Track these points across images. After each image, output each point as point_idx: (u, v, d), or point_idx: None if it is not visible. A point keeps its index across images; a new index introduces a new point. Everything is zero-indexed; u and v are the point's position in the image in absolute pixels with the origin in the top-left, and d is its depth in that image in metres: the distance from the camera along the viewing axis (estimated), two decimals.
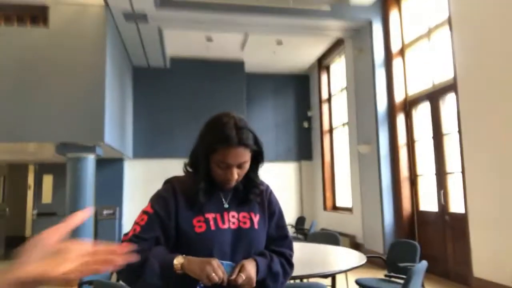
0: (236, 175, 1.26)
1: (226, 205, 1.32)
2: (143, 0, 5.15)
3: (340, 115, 7.70)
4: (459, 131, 4.33)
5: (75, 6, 5.27)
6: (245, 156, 1.26)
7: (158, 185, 1.39)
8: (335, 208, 7.91)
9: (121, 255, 0.58)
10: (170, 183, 1.35)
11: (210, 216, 1.28)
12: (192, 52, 7.70)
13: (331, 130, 8.15)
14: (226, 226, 1.27)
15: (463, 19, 4.25)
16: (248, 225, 1.30)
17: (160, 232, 1.23)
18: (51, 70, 5.13)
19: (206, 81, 8.01)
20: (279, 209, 1.41)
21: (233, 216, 1.30)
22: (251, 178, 1.35)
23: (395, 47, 5.84)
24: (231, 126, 1.24)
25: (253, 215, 1.33)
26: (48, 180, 8.02)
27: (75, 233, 5.16)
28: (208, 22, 5.89)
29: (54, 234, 0.58)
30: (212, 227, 1.25)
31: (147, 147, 7.69)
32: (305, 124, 8.70)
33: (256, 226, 1.31)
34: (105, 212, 7.47)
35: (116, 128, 6.03)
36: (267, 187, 1.43)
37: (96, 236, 7.19)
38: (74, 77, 5.16)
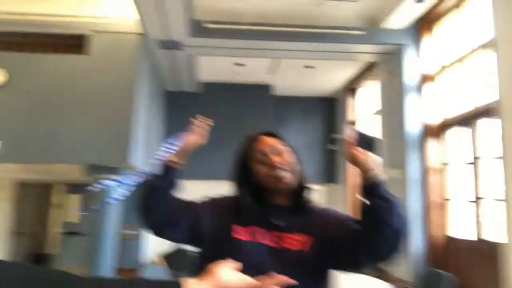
0: (279, 160, 1.22)
1: (276, 222, 1.22)
2: (178, 29, 5.27)
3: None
4: (504, 156, 4.08)
5: (114, 34, 5.45)
6: (277, 141, 1.27)
7: None
8: None
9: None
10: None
11: (253, 228, 1.20)
12: (223, 77, 7.81)
13: None
14: (268, 242, 1.18)
15: (509, 39, 4.07)
16: (297, 246, 1.18)
17: (192, 215, 1.25)
18: (87, 95, 5.31)
19: (237, 104, 8.11)
20: (347, 221, 1.26)
21: (278, 237, 1.19)
22: (302, 184, 1.28)
23: (428, 71, 5.70)
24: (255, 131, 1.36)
25: (304, 237, 1.20)
26: (75, 200, 8.10)
27: (99, 251, 5.14)
28: (238, 48, 5.95)
29: (231, 264, 0.84)
30: (252, 239, 1.17)
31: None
32: (331, 147, 8.56)
33: (307, 248, 1.18)
34: (128, 232, 7.44)
35: (144, 150, 6.06)
36: (328, 209, 1.32)
37: (119, 255, 7.15)
38: (107, 102, 5.30)
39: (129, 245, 7.38)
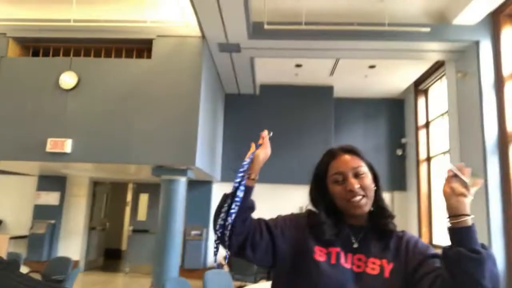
0: (357, 184, 1.17)
1: (355, 245, 1.18)
2: (237, 32, 5.34)
3: (440, 143, 7.05)
4: None
5: (176, 38, 5.66)
6: (357, 162, 1.22)
7: None
8: (432, 244, 7.17)
9: None
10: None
11: (333, 250, 1.16)
12: (281, 79, 7.76)
13: (428, 159, 7.50)
14: (348, 266, 1.14)
15: None
16: (376, 271, 1.12)
17: (269, 235, 1.21)
18: (152, 98, 5.55)
19: (294, 107, 7.99)
20: (425, 255, 1.15)
21: (359, 259, 1.15)
22: (380, 206, 1.22)
23: (507, 69, 5.20)
24: (336, 147, 1.29)
25: (385, 262, 1.14)
26: (144, 199, 8.55)
27: (165, 250, 5.36)
28: (299, 49, 5.87)
29: None
30: (333, 261, 1.14)
31: (234, 171, 7.81)
32: (399, 152, 8.14)
33: (387, 274, 1.12)
34: (193, 232, 7.70)
35: (207, 152, 6.23)
36: (410, 235, 1.23)
37: (183, 255, 7.42)
38: (171, 104, 5.50)
39: (192, 245, 7.64)
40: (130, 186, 9.51)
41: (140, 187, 8.59)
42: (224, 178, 7.84)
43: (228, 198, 1.20)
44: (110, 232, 9.66)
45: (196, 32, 5.53)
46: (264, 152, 1.27)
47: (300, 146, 7.80)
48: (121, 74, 5.67)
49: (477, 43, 5.41)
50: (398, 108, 8.38)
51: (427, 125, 7.65)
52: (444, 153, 6.80)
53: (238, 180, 1.20)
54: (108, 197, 9.46)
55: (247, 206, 1.20)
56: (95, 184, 8.72)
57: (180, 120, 5.46)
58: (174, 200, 5.58)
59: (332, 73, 7.26)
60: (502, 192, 5.08)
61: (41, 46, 6.15)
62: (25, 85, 5.66)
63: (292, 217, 1.28)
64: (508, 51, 5.23)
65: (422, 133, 7.68)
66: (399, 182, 8.03)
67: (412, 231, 7.45)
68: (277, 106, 8.01)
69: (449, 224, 1.06)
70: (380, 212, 1.22)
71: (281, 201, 7.57)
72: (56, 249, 8.03)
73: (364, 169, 1.21)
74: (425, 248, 1.17)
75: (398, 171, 8.10)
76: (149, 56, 5.76)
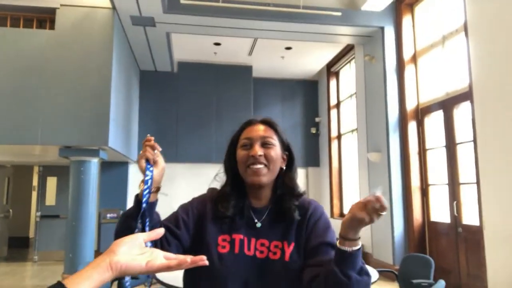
0: (261, 152, 1.14)
1: (258, 224, 1.15)
2: (151, 4, 5.08)
3: (349, 122, 7.57)
4: (474, 140, 4.20)
5: (82, 8, 5.20)
6: (269, 133, 1.19)
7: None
8: (342, 215, 7.76)
9: (191, 263, 0.70)
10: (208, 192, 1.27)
11: (237, 237, 1.14)
12: (199, 57, 7.62)
13: (339, 137, 8.02)
14: (251, 253, 1.12)
15: (479, 24, 4.12)
16: (278, 255, 1.11)
17: (175, 238, 1.12)
18: (57, 73, 5.05)
19: (214, 85, 7.92)
20: (320, 242, 1.11)
21: (262, 244, 1.13)
22: (289, 186, 1.19)
23: (407, 54, 5.71)
24: (256, 116, 1.27)
25: (286, 245, 1.12)
26: (52, 182, 7.94)
27: (77, 235, 5.08)
28: (216, 27, 5.80)
29: (141, 238, 0.72)
30: (236, 251, 1.11)
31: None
32: (313, 130, 8.58)
33: (287, 258, 1.10)
34: (108, 215, 7.39)
35: (121, 132, 5.94)
36: (314, 208, 1.18)
37: (99, 238, 7.10)
38: (79, 80, 5.07)
39: (108, 228, 7.33)
40: (36, 169, 8.76)
41: (48, 170, 7.96)
42: None
43: (132, 220, 1.04)
44: (15, 219, 8.85)
45: (106, 2, 5.15)
46: (160, 168, 1.10)
47: (219, 126, 7.81)
48: (19, 46, 5.07)
49: (382, 29, 5.83)
50: (313, 89, 8.77)
51: (337, 105, 8.14)
52: (352, 131, 7.31)
53: (144, 199, 1.03)
54: (10, 182, 8.61)
55: (155, 222, 1.10)
56: None
57: (90, 97, 5.08)
58: (86, 182, 5.26)
59: (250, 52, 7.31)
60: (401, 164, 5.66)
61: None
62: None
63: (194, 203, 1.21)
64: (408, 38, 5.73)
65: (333, 113, 8.16)
66: (313, 158, 8.50)
67: (325, 204, 8.01)
68: (196, 85, 7.87)
69: (340, 246, 0.95)
70: (287, 192, 1.18)
71: (199, 180, 7.56)
72: None
73: (274, 141, 1.18)
74: (322, 231, 1.13)
75: (313, 148, 8.55)
76: (52, 27, 5.22)
